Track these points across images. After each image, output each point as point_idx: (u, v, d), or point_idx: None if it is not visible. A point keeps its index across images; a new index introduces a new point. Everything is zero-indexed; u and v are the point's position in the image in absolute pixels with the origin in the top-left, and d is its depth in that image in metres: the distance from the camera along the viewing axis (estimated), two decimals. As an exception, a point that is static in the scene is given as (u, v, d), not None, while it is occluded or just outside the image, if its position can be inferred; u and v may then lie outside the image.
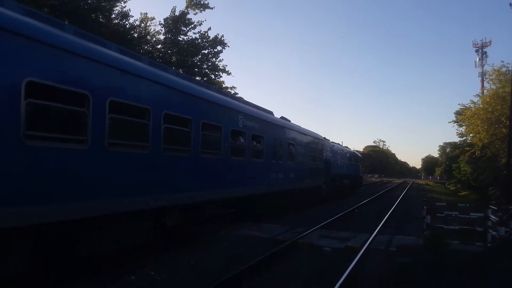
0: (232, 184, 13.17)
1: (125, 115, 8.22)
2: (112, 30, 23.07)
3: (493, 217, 11.15)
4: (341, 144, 37.81)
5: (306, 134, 22.00)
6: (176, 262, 9.12)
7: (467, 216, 12.27)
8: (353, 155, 40.65)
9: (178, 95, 10.31)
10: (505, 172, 23.28)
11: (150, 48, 28.23)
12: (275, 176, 16.88)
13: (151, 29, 28.46)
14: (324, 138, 27.30)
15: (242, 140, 14.01)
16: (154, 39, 28.87)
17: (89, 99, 7.21)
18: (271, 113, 18.16)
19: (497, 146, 28.41)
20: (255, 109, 15.90)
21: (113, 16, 24.98)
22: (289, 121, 20.45)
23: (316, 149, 23.78)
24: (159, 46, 29.03)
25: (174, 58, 28.52)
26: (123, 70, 8.25)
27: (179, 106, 10.31)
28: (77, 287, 7.22)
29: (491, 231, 11.14)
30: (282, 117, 19.79)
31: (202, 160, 11.27)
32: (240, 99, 16.22)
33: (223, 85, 32.80)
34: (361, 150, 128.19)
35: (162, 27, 28.61)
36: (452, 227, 12.32)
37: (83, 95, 7.13)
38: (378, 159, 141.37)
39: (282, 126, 18.24)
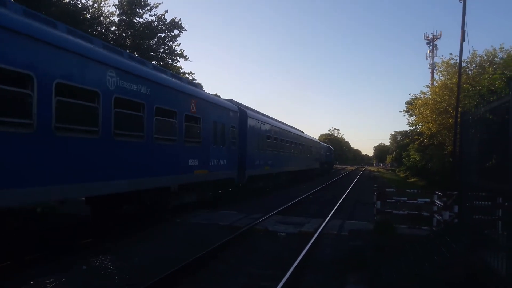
0: (294, 165, 31.71)
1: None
2: (63, 10, 21.91)
3: (438, 202, 11.72)
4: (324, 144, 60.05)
5: (315, 140, 45.06)
6: (131, 250, 8.97)
7: (415, 201, 12.84)
8: (328, 148, 62.15)
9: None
10: (450, 159, 24.57)
11: (104, 30, 27.12)
12: (307, 163, 37.79)
13: (104, 10, 27.28)
14: (319, 140, 53.83)
15: (300, 147, 33.81)
16: (108, 20, 27.73)
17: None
18: (301, 131, 37.08)
19: (444, 135, 29.72)
20: (308, 136, 40.64)
21: (64, -6, 23.73)
22: (302, 131, 38.09)
23: (317, 147, 45.32)
24: (113, 28, 27.97)
25: (128, 41, 27.60)
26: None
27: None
28: (23, 275, 6.93)
29: (436, 216, 11.71)
30: (300, 130, 36.73)
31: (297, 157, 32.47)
32: (299, 130, 36.68)
33: (181, 71, 32.19)
34: (317, 138, 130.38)
35: (116, 8, 27.56)
36: (401, 212, 12.82)
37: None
38: (332, 146, 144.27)
39: (310, 139, 40.63)
